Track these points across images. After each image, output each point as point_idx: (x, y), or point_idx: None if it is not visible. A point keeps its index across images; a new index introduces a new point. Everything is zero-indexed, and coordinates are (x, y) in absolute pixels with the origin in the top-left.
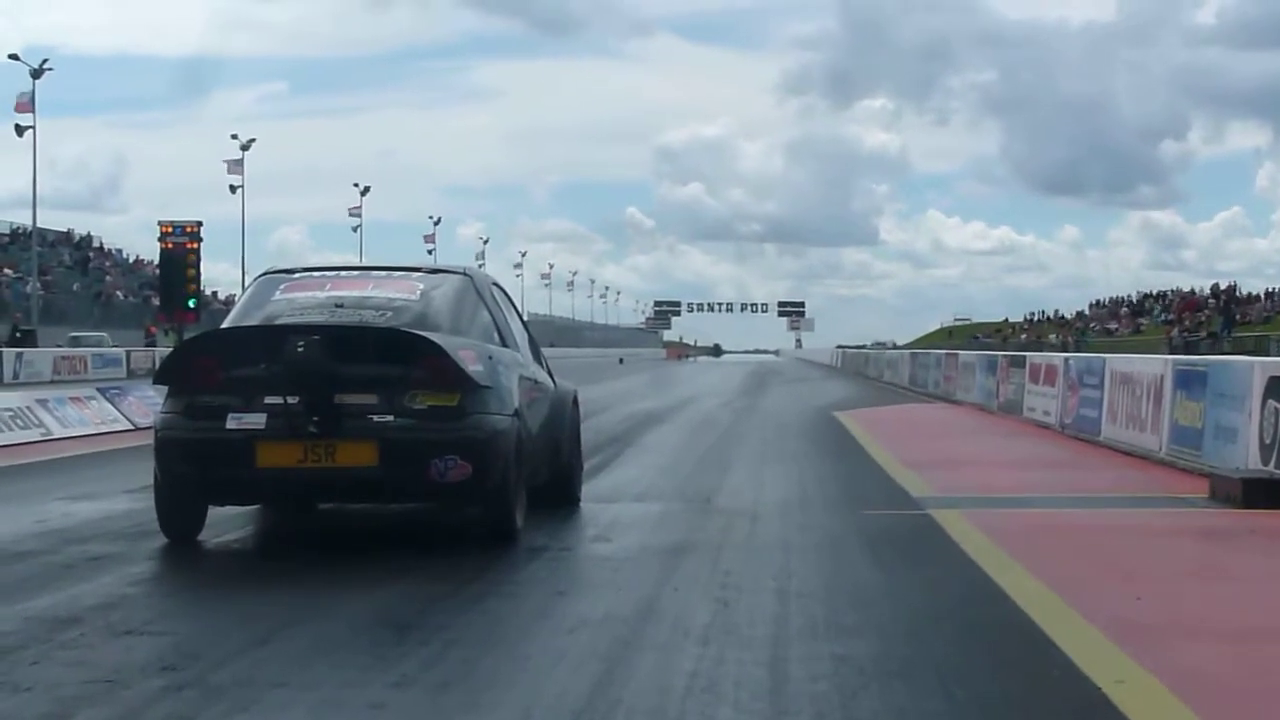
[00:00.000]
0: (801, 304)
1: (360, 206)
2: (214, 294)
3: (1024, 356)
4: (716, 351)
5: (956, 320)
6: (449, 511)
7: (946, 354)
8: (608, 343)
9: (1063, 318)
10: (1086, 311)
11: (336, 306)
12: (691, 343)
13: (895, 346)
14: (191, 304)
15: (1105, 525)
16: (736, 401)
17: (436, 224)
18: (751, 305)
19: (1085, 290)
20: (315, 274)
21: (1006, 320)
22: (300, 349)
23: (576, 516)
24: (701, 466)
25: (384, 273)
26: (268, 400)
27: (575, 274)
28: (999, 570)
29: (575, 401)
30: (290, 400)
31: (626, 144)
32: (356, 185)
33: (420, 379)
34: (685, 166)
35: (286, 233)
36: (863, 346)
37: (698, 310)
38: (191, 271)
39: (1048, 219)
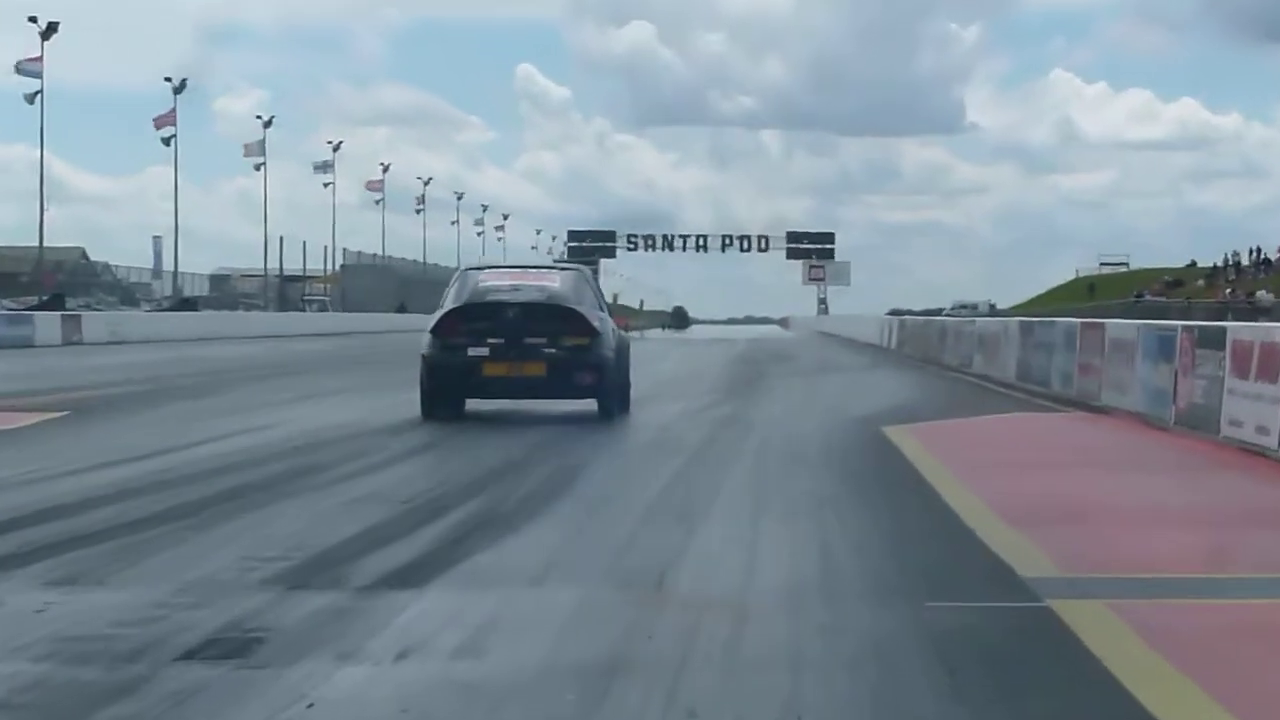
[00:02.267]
0: (828, 237)
1: (40, 59)
2: None
3: (1223, 329)
4: (680, 320)
5: (1103, 265)
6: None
7: (1084, 325)
8: None
9: None
10: None
11: (515, 289)
12: (635, 305)
13: (994, 311)
14: None
15: None
16: (714, 407)
17: (179, 92)
18: (741, 240)
19: None
20: (498, 269)
21: (1193, 265)
22: (507, 314)
23: (431, 610)
24: (651, 520)
25: (535, 270)
26: (489, 340)
27: (429, 183)
28: (1177, 708)
29: (628, 346)
30: (500, 340)
31: None
32: (34, 22)
33: (569, 329)
34: None
35: None
36: (937, 312)
37: (646, 248)
38: None
39: (1263, 87)
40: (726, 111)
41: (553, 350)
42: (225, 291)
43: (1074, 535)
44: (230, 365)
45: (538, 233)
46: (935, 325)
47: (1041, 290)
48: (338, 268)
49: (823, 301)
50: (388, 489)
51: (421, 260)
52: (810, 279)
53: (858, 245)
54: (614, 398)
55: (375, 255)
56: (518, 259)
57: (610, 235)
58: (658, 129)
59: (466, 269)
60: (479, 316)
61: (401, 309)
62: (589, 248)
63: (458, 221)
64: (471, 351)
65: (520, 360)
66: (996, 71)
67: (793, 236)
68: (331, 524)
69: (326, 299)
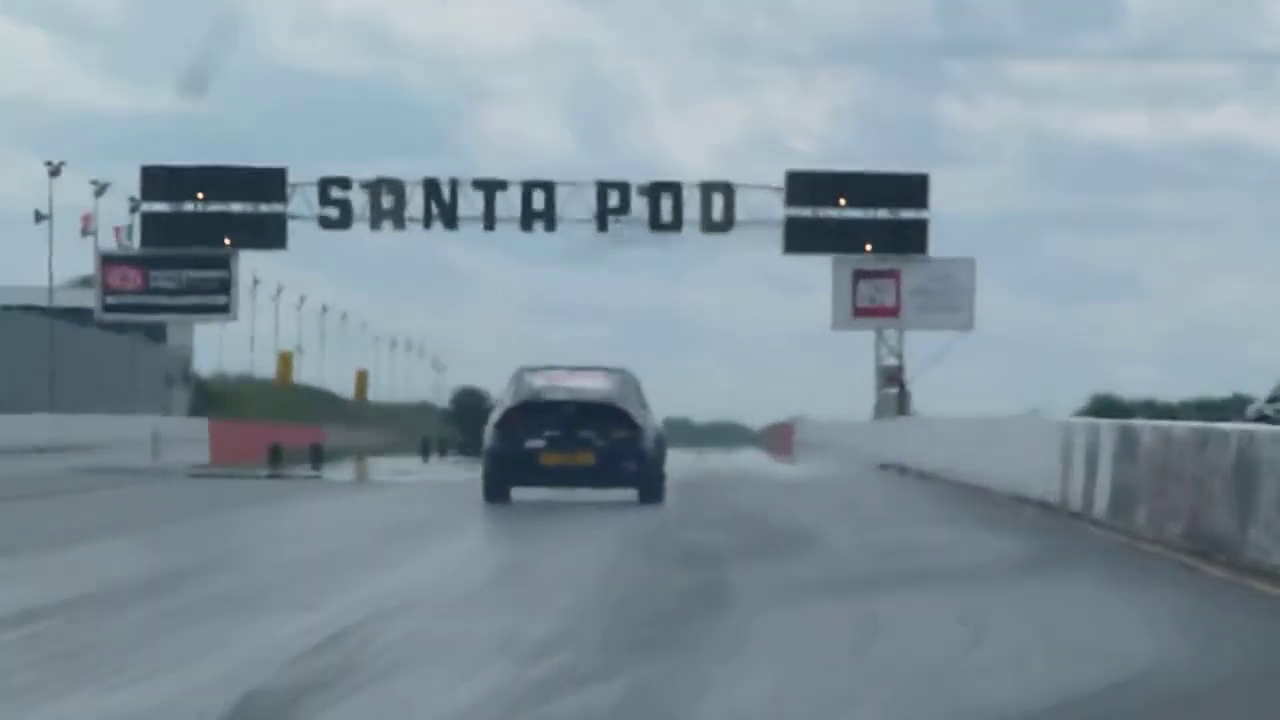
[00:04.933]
0: (908, 189)
1: None
2: None
3: None
4: (468, 414)
5: None
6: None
7: None
8: None
9: None
10: None
11: (570, 389)
12: (345, 386)
13: None
14: None
15: None
16: (572, 688)
17: None
18: (654, 200)
19: None
20: (551, 370)
21: None
22: (562, 411)
23: None
24: None
25: (585, 371)
26: (546, 433)
27: None
28: None
29: (664, 439)
30: (556, 433)
31: None
32: None
33: (616, 424)
34: None
35: None
36: (1226, 412)
37: (377, 223)
38: None
39: None
40: None
41: (602, 442)
42: None
43: None
44: None
45: (53, 173)
46: (1219, 450)
47: None
48: None
49: (893, 378)
50: None
51: None
52: (859, 312)
53: (990, 215)
54: (653, 486)
55: None
56: None
57: (274, 182)
58: None
59: (522, 369)
60: (537, 412)
61: None
62: (203, 222)
63: None
64: (529, 443)
65: (573, 450)
66: None
67: (801, 183)
68: None
69: None
